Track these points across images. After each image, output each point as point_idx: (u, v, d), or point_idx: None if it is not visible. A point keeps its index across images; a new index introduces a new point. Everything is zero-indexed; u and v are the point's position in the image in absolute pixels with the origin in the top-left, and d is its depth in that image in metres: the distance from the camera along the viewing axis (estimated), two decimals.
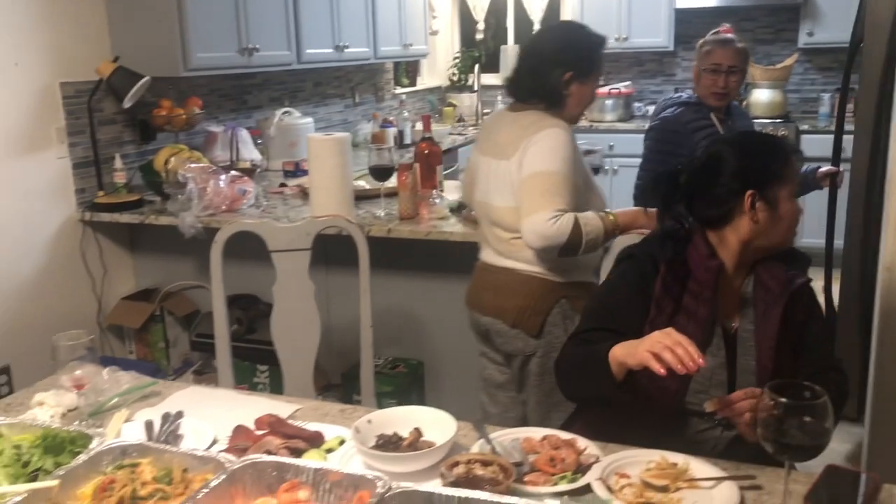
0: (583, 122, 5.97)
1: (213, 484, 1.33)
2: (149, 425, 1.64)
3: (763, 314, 1.67)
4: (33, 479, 1.39)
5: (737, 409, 1.51)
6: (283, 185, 3.61)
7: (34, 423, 1.59)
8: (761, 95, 5.36)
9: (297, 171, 3.86)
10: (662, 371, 1.38)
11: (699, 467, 1.43)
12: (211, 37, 3.42)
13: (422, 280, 3.11)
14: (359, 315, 2.47)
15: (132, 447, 1.49)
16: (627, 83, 6.02)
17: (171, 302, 3.47)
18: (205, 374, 3.39)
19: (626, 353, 1.48)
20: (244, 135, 3.87)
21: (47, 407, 1.73)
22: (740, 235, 1.67)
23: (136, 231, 3.49)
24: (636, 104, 6.00)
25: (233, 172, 3.20)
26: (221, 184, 3.08)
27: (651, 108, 5.04)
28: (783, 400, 1.23)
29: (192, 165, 3.14)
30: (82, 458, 1.43)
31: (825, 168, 3.13)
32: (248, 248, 2.50)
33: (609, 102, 5.90)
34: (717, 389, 1.66)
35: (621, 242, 2.05)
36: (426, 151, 3.04)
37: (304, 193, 3.38)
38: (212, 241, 2.47)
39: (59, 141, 3.18)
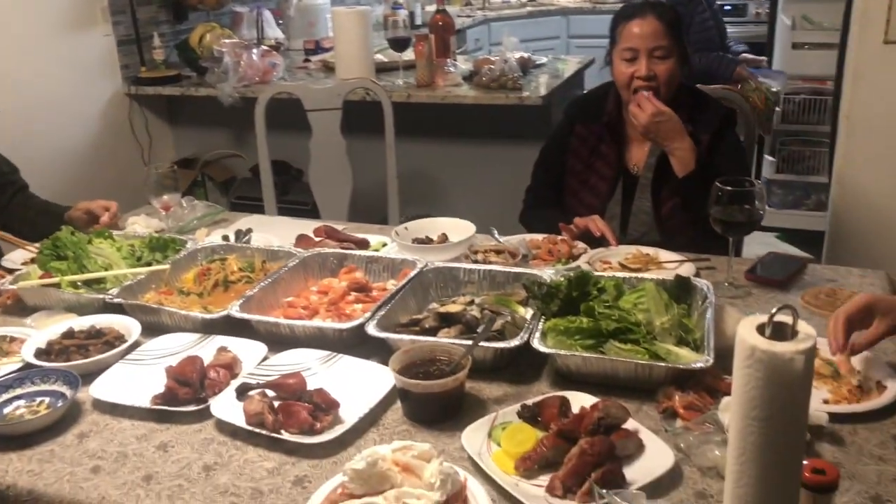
0: (586, 4, 6.17)
1: (290, 264, 1.74)
2: (226, 238, 2.03)
3: (657, 163, 2.03)
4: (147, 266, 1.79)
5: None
6: (306, 60, 3.90)
7: (136, 234, 1.99)
8: None
9: (317, 48, 4.14)
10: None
11: (667, 255, 1.82)
12: None
13: (440, 144, 3.44)
14: (382, 177, 2.82)
15: (220, 247, 1.89)
16: None
17: (210, 169, 3.83)
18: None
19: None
20: (268, 14, 4.13)
21: (139, 227, 2.13)
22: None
23: (175, 104, 3.82)
24: None
25: (263, 47, 3.51)
26: (254, 57, 3.39)
27: None
28: (728, 188, 1.60)
29: (227, 41, 3.44)
30: (183, 252, 1.84)
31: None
32: (278, 118, 2.82)
33: None
34: (613, 221, 2.08)
35: None
36: (440, 23, 3.33)
37: (327, 68, 3.68)
38: (247, 111, 2.80)
39: (103, 20, 3.48)
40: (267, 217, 2.40)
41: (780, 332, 0.84)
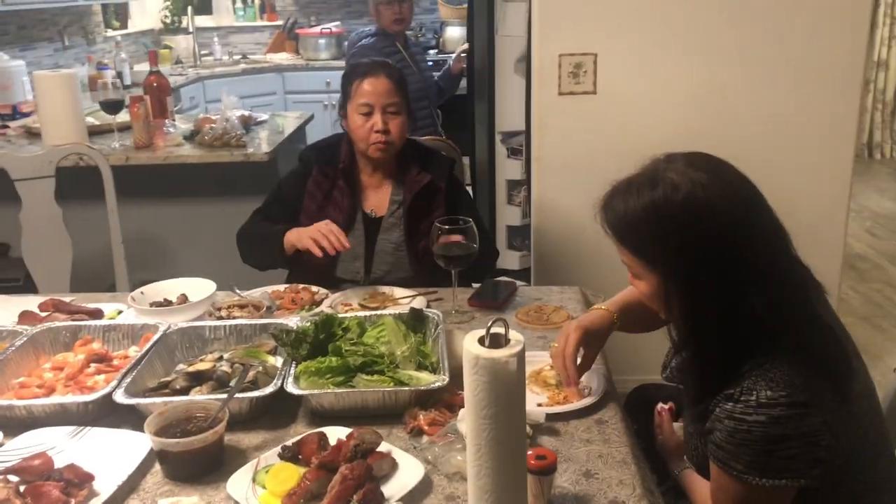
0: (299, 61, 6.36)
1: (17, 343, 1.64)
2: None
3: (405, 209, 2.21)
4: None
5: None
6: (4, 126, 3.62)
7: None
8: (453, 32, 6.11)
9: (15, 113, 3.85)
10: (319, 253, 1.97)
11: (400, 291, 1.99)
12: None
13: (166, 206, 3.37)
14: (104, 245, 2.72)
15: None
16: (337, 23, 6.49)
17: None
18: None
19: (297, 238, 2.04)
20: None
21: None
22: (349, 142, 2.25)
23: None
24: (345, 43, 6.49)
25: None
26: None
27: None
28: (446, 227, 1.80)
29: None
30: None
31: (454, 59, 3.98)
32: None
33: (322, 42, 6.34)
34: (357, 261, 2.21)
35: None
36: (155, 84, 3.29)
37: (30, 133, 3.45)
38: None
39: None
40: None
41: (497, 341, 1.02)
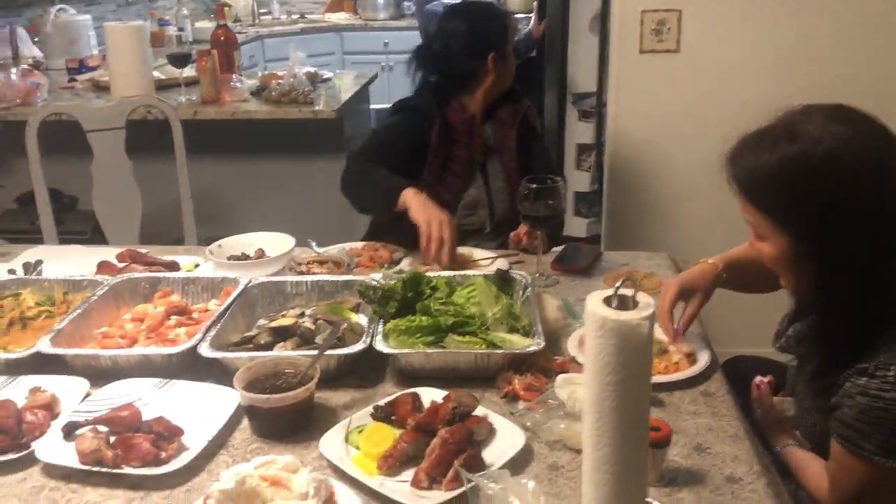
0: (357, 21, 6.27)
1: (99, 293, 1.61)
2: (12, 272, 1.84)
3: (503, 145, 2.16)
4: None
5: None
6: (72, 79, 3.62)
7: None
8: None
9: (82, 67, 3.84)
10: (423, 247, 1.78)
11: (481, 253, 1.92)
12: None
13: (230, 161, 3.34)
14: (170, 199, 2.69)
15: (8, 282, 1.72)
16: None
17: None
18: None
19: (415, 207, 1.81)
20: (22, 32, 3.78)
21: None
22: (485, 89, 2.13)
23: None
24: (406, 3, 6.36)
25: (23, 66, 3.20)
26: (13, 77, 3.08)
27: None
28: (534, 186, 1.72)
29: None
30: None
31: (534, 23, 3.90)
32: (46, 142, 2.58)
33: (381, 1, 6.23)
34: (482, 209, 2.17)
35: None
36: (223, 38, 3.24)
37: (97, 87, 3.44)
38: (7, 136, 2.53)
39: None
40: (55, 247, 2.20)
41: (624, 303, 0.94)
